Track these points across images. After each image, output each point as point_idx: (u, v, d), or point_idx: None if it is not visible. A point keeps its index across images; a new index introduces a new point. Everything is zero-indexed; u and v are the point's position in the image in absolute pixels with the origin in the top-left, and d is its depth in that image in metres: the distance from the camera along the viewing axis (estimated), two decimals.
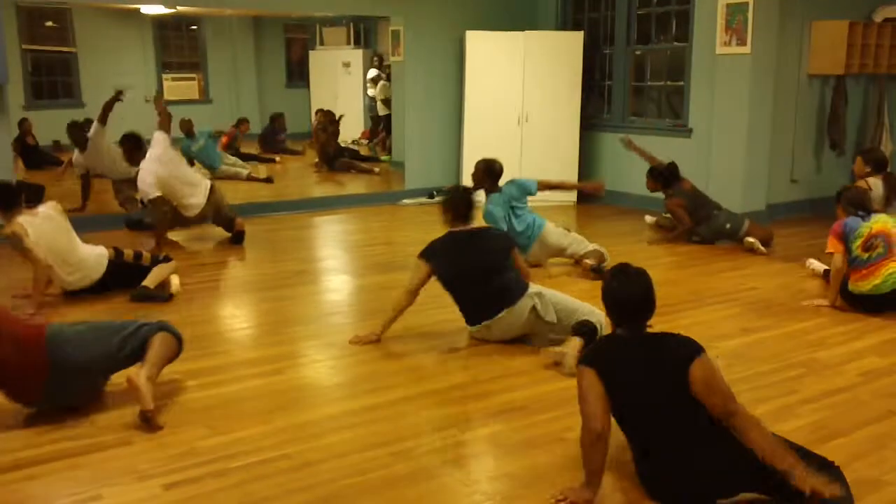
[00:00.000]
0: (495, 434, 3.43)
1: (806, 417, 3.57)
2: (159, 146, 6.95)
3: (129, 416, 3.60)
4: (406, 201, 9.29)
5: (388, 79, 12.71)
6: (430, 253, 4.54)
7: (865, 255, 5.01)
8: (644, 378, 2.84)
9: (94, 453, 3.27)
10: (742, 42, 7.53)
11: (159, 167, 6.84)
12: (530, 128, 9.05)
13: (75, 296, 5.46)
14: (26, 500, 2.92)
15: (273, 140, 13.35)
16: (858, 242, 5.01)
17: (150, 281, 5.57)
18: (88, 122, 9.19)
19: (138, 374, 3.53)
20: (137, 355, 3.68)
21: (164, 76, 15.84)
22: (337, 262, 6.94)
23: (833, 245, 5.12)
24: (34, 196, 8.63)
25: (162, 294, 5.53)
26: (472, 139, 9.10)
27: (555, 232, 6.35)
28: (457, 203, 4.61)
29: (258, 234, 7.70)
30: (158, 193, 6.80)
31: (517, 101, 9.02)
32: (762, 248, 6.77)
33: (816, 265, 6.06)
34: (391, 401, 3.78)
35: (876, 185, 6.32)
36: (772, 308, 5.24)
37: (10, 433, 3.42)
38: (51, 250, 5.28)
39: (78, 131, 8.82)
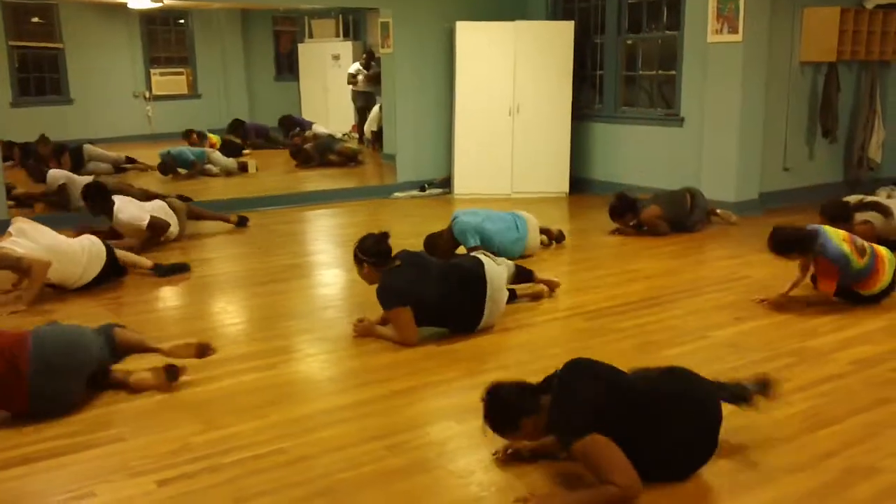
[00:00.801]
0: None
1: (798, 405, 3.57)
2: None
3: (120, 413, 3.60)
4: (398, 194, 9.28)
5: (373, 65, 12.65)
6: (401, 295, 4.38)
7: (865, 261, 4.84)
8: (612, 391, 2.90)
9: (86, 450, 3.25)
10: (734, 30, 7.52)
11: (135, 204, 6.81)
12: (522, 119, 9.03)
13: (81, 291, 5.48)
14: (19, 499, 2.90)
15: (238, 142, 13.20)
16: (854, 257, 4.81)
17: (145, 259, 5.97)
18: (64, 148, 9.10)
19: (165, 360, 3.93)
20: (107, 355, 3.85)
21: (153, 71, 15.76)
22: (329, 257, 6.92)
23: (828, 285, 4.88)
24: None
25: (182, 265, 6.08)
26: (464, 131, 9.08)
27: (532, 217, 6.47)
28: (379, 251, 4.50)
29: (249, 228, 7.67)
30: (149, 216, 6.70)
31: (508, 91, 9.00)
32: (733, 217, 7.25)
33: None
34: (385, 394, 3.77)
35: (875, 217, 6.02)
36: (764, 296, 5.24)
37: (0, 432, 3.40)
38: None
39: (35, 168, 8.93)
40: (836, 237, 4.85)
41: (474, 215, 6.18)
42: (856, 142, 8.63)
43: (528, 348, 4.37)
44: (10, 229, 5.38)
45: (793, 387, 3.78)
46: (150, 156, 11.27)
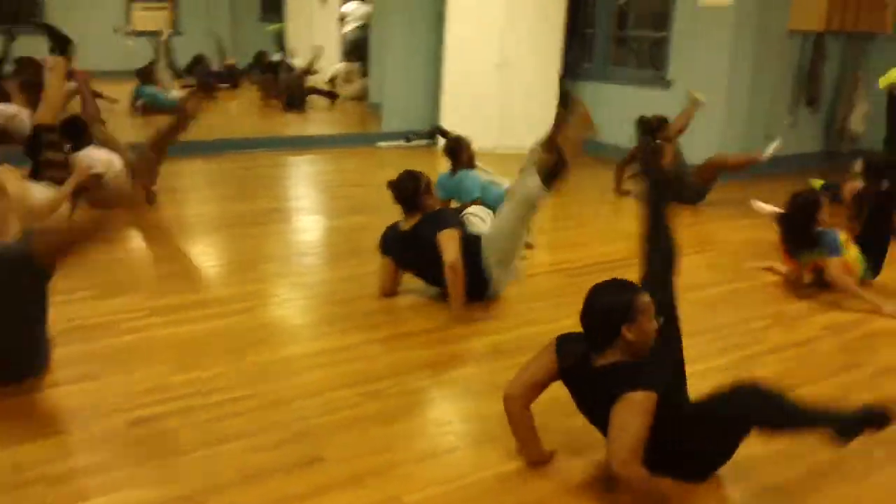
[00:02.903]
0: (468, 377, 3.44)
1: (771, 367, 3.61)
2: None
3: (92, 352, 3.56)
4: (382, 144, 9.19)
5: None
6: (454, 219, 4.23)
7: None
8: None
9: (58, 387, 3.22)
10: None
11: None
12: (511, 72, 8.93)
13: None
14: None
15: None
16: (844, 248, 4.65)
17: None
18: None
19: None
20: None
21: (134, 5, 15.40)
22: (310, 203, 6.87)
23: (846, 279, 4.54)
24: None
25: None
26: (452, 81, 8.95)
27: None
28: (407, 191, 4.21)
29: (231, 171, 7.59)
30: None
31: (498, 44, 8.87)
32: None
33: (763, 206, 5.45)
34: (363, 341, 3.76)
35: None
36: (742, 260, 5.27)
37: None
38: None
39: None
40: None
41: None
42: (839, 113, 8.64)
43: (508, 303, 4.37)
44: None
45: (766, 348, 3.83)
46: (127, 92, 11.04)
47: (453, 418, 3.08)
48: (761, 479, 2.75)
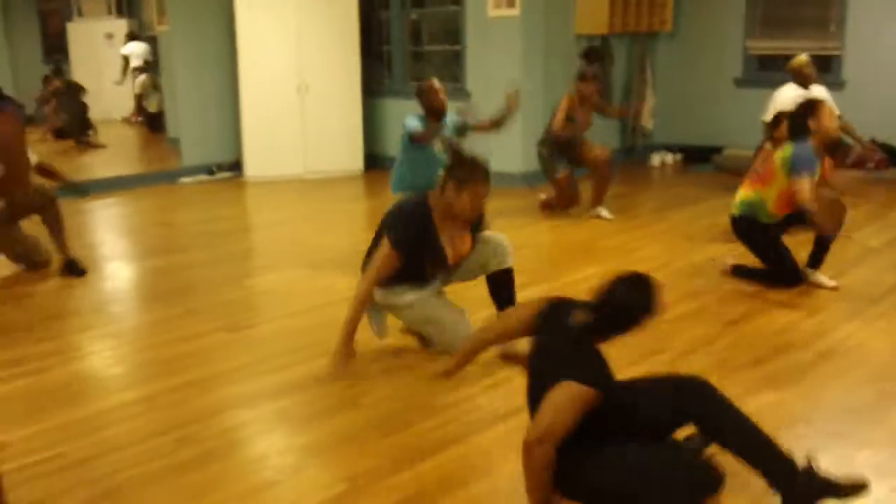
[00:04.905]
0: (284, 408, 3.37)
1: None
2: None
3: None
4: (184, 179, 8.88)
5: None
6: None
7: None
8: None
9: None
10: (511, 4, 7.76)
11: None
12: (311, 96, 8.88)
13: None
14: None
15: None
16: None
17: None
18: None
19: None
20: None
21: None
22: (111, 249, 6.52)
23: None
24: None
25: None
26: (251, 110, 8.77)
27: None
28: None
29: (25, 225, 7.07)
30: None
31: (295, 68, 8.81)
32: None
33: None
34: (173, 386, 3.61)
35: None
36: (551, 262, 5.48)
37: None
38: None
39: None
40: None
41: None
42: (629, 111, 9.17)
43: (324, 329, 4.31)
44: None
45: None
46: None
47: (270, 453, 3.01)
48: None
